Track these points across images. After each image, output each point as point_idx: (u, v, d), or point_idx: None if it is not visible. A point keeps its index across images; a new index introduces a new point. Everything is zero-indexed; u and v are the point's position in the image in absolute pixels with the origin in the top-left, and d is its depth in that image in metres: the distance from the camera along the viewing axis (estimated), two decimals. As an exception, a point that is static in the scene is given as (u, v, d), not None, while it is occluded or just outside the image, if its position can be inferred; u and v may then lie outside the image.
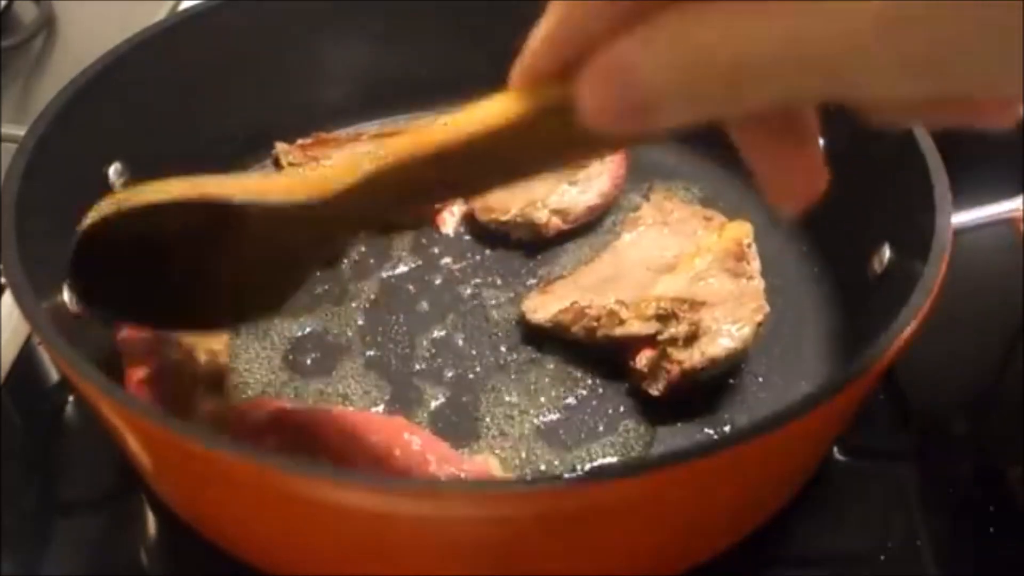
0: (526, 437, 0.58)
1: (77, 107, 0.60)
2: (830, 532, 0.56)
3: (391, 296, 0.66)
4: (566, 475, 0.55)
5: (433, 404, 0.60)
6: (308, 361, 0.62)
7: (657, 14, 0.30)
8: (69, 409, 0.61)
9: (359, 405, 0.59)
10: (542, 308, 0.62)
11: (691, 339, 0.58)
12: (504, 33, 0.74)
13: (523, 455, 0.57)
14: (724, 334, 0.59)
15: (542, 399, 0.60)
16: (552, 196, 0.68)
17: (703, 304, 0.60)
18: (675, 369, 0.58)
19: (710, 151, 0.74)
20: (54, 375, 0.63)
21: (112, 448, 0.53)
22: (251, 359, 0.62)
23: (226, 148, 0.73)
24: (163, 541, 0.56)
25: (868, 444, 0.60)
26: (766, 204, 0.69)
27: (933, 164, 0.56)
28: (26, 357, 0.63)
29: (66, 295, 0.55)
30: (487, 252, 0.70)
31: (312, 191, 0.43)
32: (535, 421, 0.59)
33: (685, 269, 0.62)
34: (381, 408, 0.59)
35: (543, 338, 0.62)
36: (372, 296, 0.66)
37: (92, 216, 0.47)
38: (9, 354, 0.63)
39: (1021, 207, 0.59)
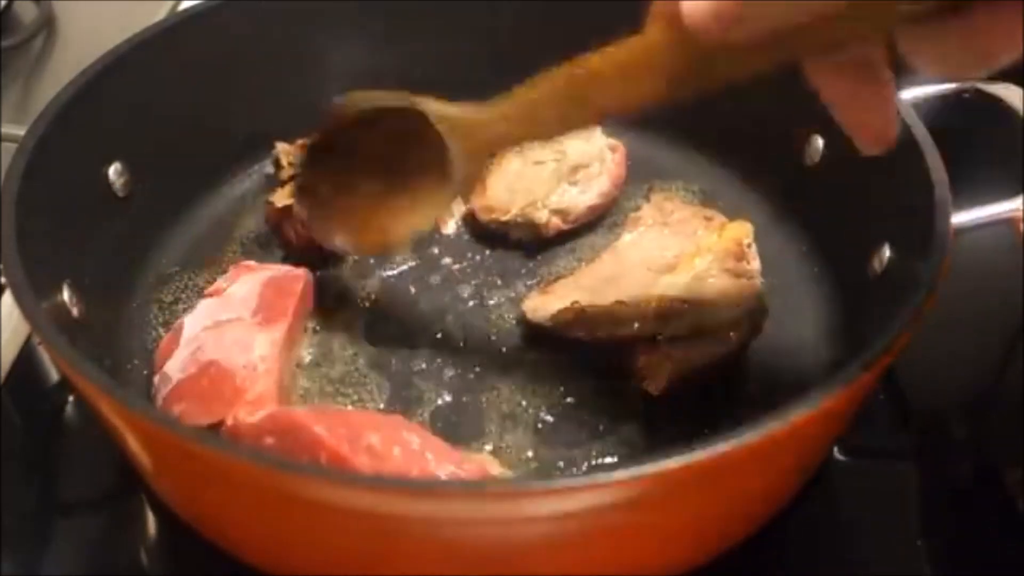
0: (526, 437, 0.58)
1: (77, 107, 0.60)
2: (830, 532, 0.56)
3: (391, 296, 0.66)
4: (566, 475, 0.55)
5: (433, 404, 0.60)
6: (307, 359, 0.62)
7: None
8: (69, 409, 0.61)
9: (359, 404, 0.59)
10: (543, 308, 0.62)
11: (692, 339, 0.58)
12: (504, 33, 0.76)
13: (523, 455, 0.57)
14: (724, 334, 0.59)
15: (542, 399, 0.60)
16: (552, 196, 0.68)
17: (704, 304, 0.60)
18: (675, 369, 0.58)
19: (710, 151, 0.75)
20: (54, 375, 0.63)
21: (112, 448, 0.53)
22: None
23: (226, 148, 0.73)
24: (163, 541, 0.56)
25: (868, 444, 0.60)
26: (767, 203, 0.71)
27: (933, 164, 0.56)
28: (26, 357, 0.63)
29: (66, 294, 0.55)
30: (487, 252, 0.70)
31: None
32: (535, 421, 0.59)
33: (685, 269, 0.62)
34: (381, 406, 0.59)
35: (543, 338, 0.62)
36: (372, 296, 0.66)
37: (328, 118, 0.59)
38: (9, 354, 0.63)
39: (1021, 207, 0.59)
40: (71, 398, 0.61)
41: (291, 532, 0.47)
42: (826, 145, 0.67)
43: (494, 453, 0.56)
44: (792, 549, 0.55)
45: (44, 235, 0.55)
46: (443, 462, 0.50)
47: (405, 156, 0.57)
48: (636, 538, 0.47)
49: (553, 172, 0.69)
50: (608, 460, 0.57)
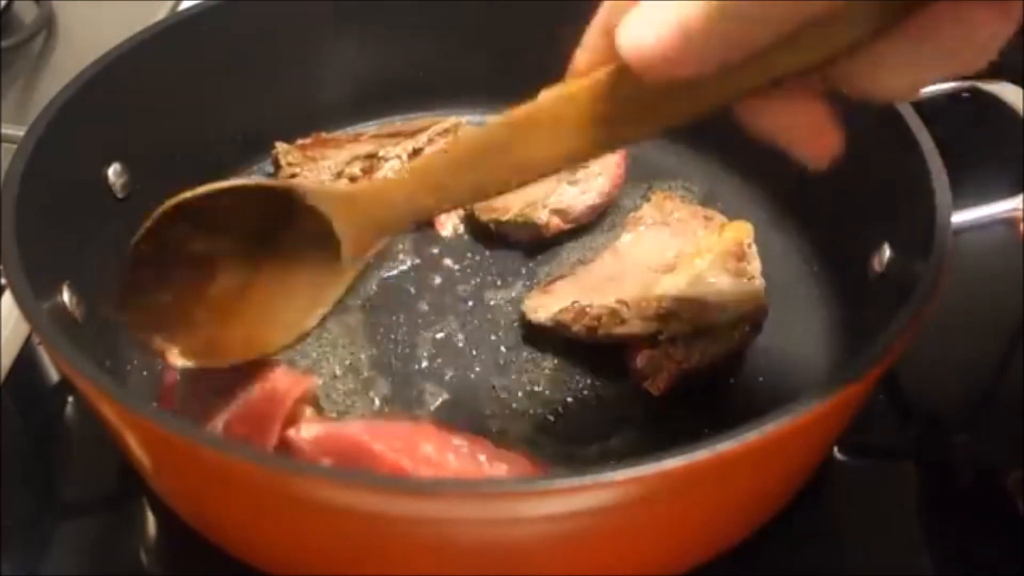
0: (526, 437, 0.57)
1: (77, 107, 0.60)
2: (830, 532, 0.56)
3: (391, 296, 0.66)
4: (566, 475, 0.54)
5: (434, 404, 0.60)
6: (308, 362, 0.62)
7: None
8: (69, 410, 0.61)
9: (360, 405, 0.59)
10: (543, 308, 0.62)
11: (692, 339, 0.58)
12: (502, 34, 0.76)
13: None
14: (725, 334, 0.59)
15: (542, 399, 0.60)
16: (552, 196, 0.68)
17: (704, 304, 0.60)
18: (676, 369, 0.58)
19: (710, 151, 0.74)
20: (54, 376, 0.63)
21: (112, 449, 0.52)
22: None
23: (226, 148, 0.73)
24: (163, 542, 0.55)
25: (868, 443, 0.60)
26: (767, 203, 0.71)
27: (932, 163, 0.56)
28: (26, 358, 0.63)
29: (66, 295, 0.55)
30: (487, 252, 0.70)
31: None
32: (535, 420, 0.58)
33: (686, 269, 0.62)
34: (379, 406, 0.59)
35: (543, 338, 0.62)
36: (372, 296, 0.66)
37: (149, 220, 0.49)
38: (9, 355, 0.63)
39: (1021, 206, 0.59)
40: (71, 399, 0.61)
41: (291, 532, 0.47)
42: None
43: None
44: (792, 549, 0.55)
45: (44, 236, 0.54)
46: (495, 462, 0.51)
47: (270, 247, 0.49)
48: (636, 538, 0.47)
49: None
50: (609, 460, 0.57)
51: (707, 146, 0.75)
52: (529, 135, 0.43)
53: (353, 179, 0.69)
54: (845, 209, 0.65)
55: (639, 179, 0.74)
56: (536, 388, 0.60)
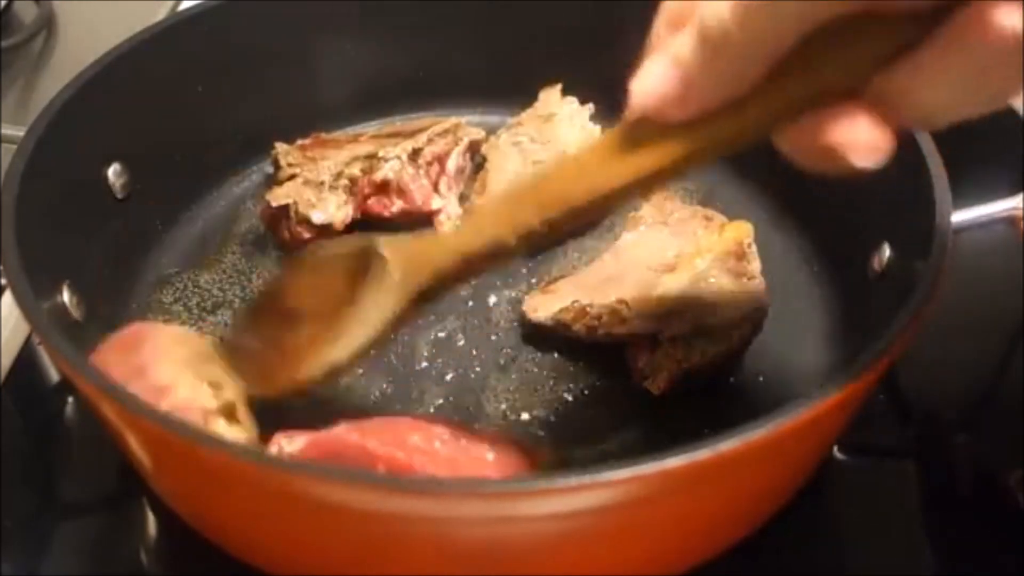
0: (527, 436, 0.57)
1: (76, 108, 0.60)
2: (830, 532, 0.56)
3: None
4: (567, 475, 0.54)
5: (434, 404, 0.60)
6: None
7: None
8: (69, 410, 0.61)
9: (361, 406, 0.59)
10: (543, 307, 0.62)
11: (693, 338, 0.58)
12: (501, 35, 0.76)
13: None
14: (725, 333, 0.59)
15: (543, 398, 0.60)
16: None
17: (705, 303, 0.60)
18: (677, 368, 0.58)
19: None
20: (54, 376, 0.63)
21: (112, 449, 0.53)
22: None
23: (225, 148, 0.73)
24: (163, 542, 0.55)
25: (868, 443, 0.60)
26: (766, 203, 0.71)
27: (932, 162, 0.56)
28: (26, 358, 0.63)
29: (66, 296, 0.55)
30: (487, 252, 0.70)
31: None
32: (535, 420, 0.58)
33: (686, 269, 0.62)
34: (377, 405, 0.59)
35: (543, 338, 0.62)
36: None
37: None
38: (9, 354, 0.63)
39: (1021, 205, 0.59)
40: (71, 399, 0.61)
41: (291, 532, 0.47)
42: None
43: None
44: (791, 548, 0.55)
45: (44, 236, 0.55)
46: (478, 444, 0.51)
47: (343, 293, 0.52)
48: (636, 538, 0.47)
49: None
50: (609, 460, 0.57)
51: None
52: (573, 175, 0.45)
53: (353, 180, 0.69)
54: (845, 209, 0.64)
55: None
56: (537, 388, 0.60)
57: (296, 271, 0.55)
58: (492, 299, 0.66)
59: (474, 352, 0.63)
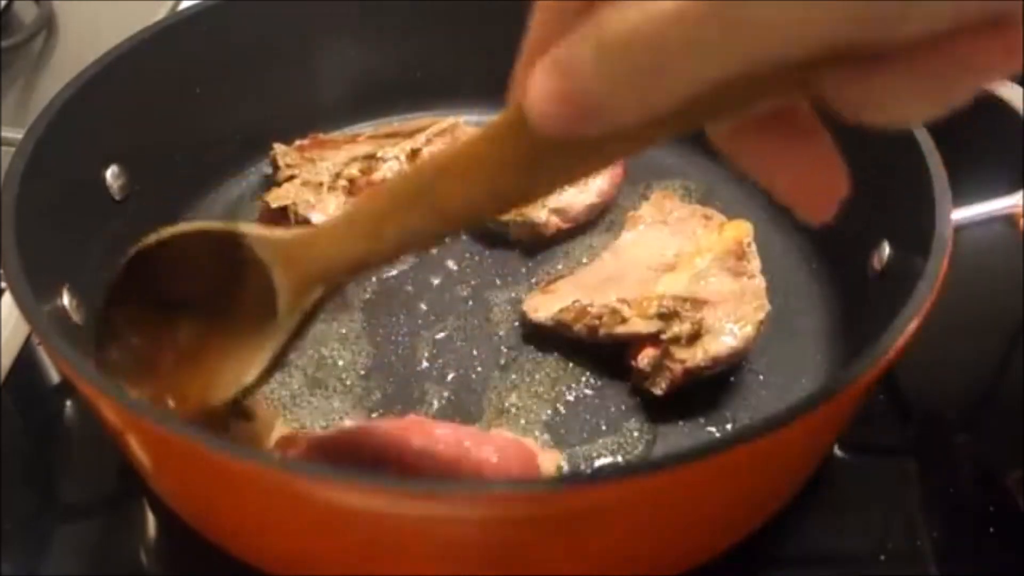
0: (527, 437, 0.57)
1: (76, 108, 0.60)
2: (830, 532, 0.56)
3: (391, 296, 0.66)
4: (567, 475, 0.55)
5: (435, 404, 0.60)
6: (307, 362, 0.62)
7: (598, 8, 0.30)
8: (69, 411, 0.61)
9: (363, 406, 0.59)
10: (543, 307, 0.62)
11: (694, 338, 0.58)
12: (499, 35, 0.75)
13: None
14: (726, 333, 0.59)
15: (543, 399, 0.60)
16: (551, 196, 0.68)
17: (705, 303, 0.60)
18: (677, 368, 0.58)
19: (709, 150, 0.74)
20: (54, 377, 0.63)
21: (112, 450, 0.53)
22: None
23: (224, 149, 0.73)
24: (163, 543, 0.55)
25: (868, 442, 0.60)
26: (766, 202, 0.71)
27: (931, 160, 0.56)
28: (26, 358, 0.63)
29: (66, 299, 0.55)
30: (487, 252, 0.70)
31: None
32: (536, 421, 0.58)
33: (686, 268, 0.62)
34: (380, 407, 0.59)
35: (544, 337, 0.62)
36: (372, 296, 0.66)
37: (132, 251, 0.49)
38: (9, 355, 0.63)
39: (1021, 203, 0.59)
40: (70, 400, 0.61)
41: (292, 532, 0.47)
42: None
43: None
44: (792, 549, 0.55)
45: (44, 237, 0.54)
46: (481, 446, 0.51)
47: (227, 295, 0.48)
48: (637, 538, 0.47)
49: None
50: (610, 459, 0.57)
51: (706, 145, 0.74)
52: (449, 179, 0.39)
53: (352, 180, 0.69)
54: (844, 207, 0.64)
55: (639, 178, 0.74)
56: (537, 388, 0.60)
57: (152, 256, 0.49)
58: (492, 299, 0.66)
59: (475, 352, 0.63)
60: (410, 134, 0.72)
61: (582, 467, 0.56)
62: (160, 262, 0.49)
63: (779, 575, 0.54)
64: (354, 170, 0.69)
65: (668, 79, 0.29)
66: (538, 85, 0.31)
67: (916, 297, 0.49)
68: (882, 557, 0.54)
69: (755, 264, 0.63)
